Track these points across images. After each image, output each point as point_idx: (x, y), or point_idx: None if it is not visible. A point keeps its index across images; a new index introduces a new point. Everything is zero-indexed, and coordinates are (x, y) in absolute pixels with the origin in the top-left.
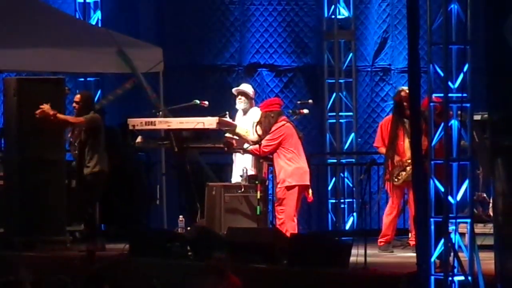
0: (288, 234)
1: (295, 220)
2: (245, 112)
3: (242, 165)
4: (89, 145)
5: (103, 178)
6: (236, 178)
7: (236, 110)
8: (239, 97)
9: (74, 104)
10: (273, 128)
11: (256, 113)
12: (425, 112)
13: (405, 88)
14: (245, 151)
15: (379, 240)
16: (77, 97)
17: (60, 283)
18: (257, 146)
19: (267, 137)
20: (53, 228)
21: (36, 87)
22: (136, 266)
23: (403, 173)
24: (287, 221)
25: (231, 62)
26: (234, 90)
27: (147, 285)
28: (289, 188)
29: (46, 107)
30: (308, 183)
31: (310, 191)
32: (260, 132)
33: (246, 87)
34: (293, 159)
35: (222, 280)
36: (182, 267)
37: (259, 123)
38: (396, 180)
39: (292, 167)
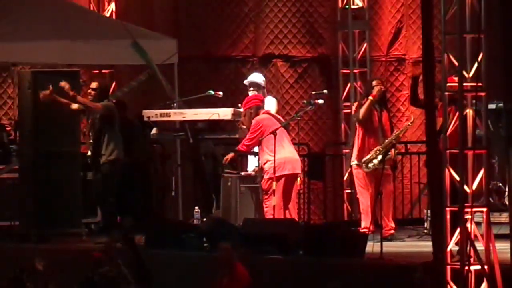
0: None
1: (290, 209)
2: None
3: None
4: (104, 133)
5: (119, 165)
6: (252, 168)
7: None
8: (251, 88)
9: (90, 91)
10: (253, 122)
11: (269, 102)
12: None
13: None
14: (235, 153)
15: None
16: (94, 84)
17: (108, 277)
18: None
19: (248, 134)
20: (68, 221)
21: (50, 79)
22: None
23: (375, 161)
24: (276, 211)
25: (245, 53)
26: (245, 82)
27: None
28: (271, 180)
29: (66, 86)
30: (293, 172)
31: (299, 179)
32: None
33: (256, 77)
34: (276, 150)
35: (230, 270)
36: (197, 258)
37: (241, 122)
38: (367, 167)
39: (276, 158)
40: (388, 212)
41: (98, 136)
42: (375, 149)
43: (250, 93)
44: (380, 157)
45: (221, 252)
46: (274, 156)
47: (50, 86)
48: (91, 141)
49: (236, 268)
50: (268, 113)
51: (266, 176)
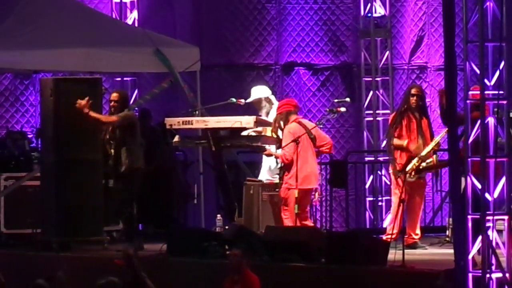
0: None
1: (307, 219)
2: (267, 113)
3: (267, 163)
4: (125, 142)
5: (139, 174)
6: (263, 175)
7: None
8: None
9: (112, 103)
10: (285, 133)
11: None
12: None
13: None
14: (276, 157)
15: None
16: (115, 95)
17: (110, 285)
18: (281, 153)
19: (283, 145)
20: (90, 229)
21: (72, 87)
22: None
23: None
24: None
25: (268, 61)
26: (247, 101)
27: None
28: (290, 189)
29: (82, 103)
30: (310, 187)
31: (316, 194)
32: (273, 134)
33: (257, 93)
34: (298, 162)
35: (240, 276)
36: (220, 266)
37: (272, 126)
38: (411, 176)
39: (293, 170)
40: (416, 220)
41: (119, 145)
42: (417, 157)
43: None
44: (424, 164)
45: (231, 257)
46: (297, 165)
47: (88, 98)
48: (112, 149)
49: (246, 274)
50: (297, 121)
51: (284, 185)
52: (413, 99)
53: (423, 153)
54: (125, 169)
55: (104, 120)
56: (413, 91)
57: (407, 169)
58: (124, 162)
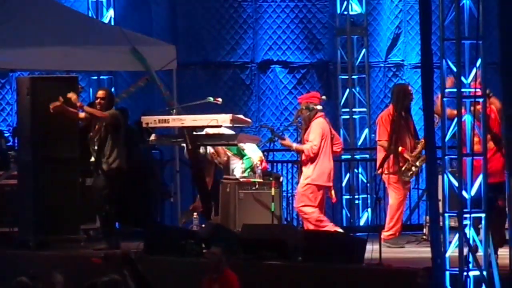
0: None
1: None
2: None
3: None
4: (109, 141)
5: (121, 174)
6: (239, 171)
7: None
8: None
9: (99, 101)
10: (314, 127)
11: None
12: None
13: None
14: (297, 150)
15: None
16: (102, 93)
17: (113, 283)
18: (307, 146)
19: (312, 138)
20: (67, 227)
21: (49, 86)
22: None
23: (414, 168)
24: (312, 219)
25: (244, 59)
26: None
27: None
28: (310, 185)
29: (74, 96)
30: (328, 184)
31: (333, 192)
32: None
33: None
34: (319, 158)
35: (219, 275)
36: (196, 264)
37: (297, 113)
38: (406, 176)
39: (316, 166)
40: (401, 217)
41: (102, 143)
42: (410, 157)
43: None
44: (418, 163)
45: (210, 256)
46: (316, 163)
47: (61, 98)
48: (95, 147)
49: (226, 273)
50: (323, 117)
51: (306, 181)
52: (410, 98)
53: (416, 152)
54: (106, 168)
55: (99, 114)
56: (409, 90)
57: (402, 169)
58: (105, 160)
